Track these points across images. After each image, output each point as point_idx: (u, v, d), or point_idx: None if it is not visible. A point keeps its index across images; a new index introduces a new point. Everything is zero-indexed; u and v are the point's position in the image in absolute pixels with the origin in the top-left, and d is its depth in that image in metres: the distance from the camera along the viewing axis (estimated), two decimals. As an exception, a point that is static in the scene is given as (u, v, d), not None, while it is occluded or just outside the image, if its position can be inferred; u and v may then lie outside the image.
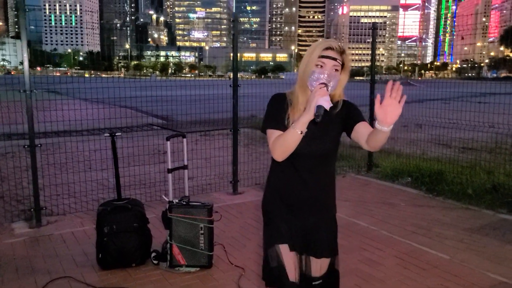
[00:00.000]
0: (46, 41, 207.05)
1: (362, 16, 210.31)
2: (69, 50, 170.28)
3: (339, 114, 1.87)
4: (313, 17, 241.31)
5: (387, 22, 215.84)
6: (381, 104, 1.52)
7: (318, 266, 1.95)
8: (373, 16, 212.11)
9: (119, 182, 3.54)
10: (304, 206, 1.91)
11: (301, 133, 1.69)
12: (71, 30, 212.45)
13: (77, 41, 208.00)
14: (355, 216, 4.61)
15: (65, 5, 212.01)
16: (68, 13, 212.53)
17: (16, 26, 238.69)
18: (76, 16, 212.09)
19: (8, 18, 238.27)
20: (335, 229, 2.00)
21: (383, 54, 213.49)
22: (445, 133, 9.23)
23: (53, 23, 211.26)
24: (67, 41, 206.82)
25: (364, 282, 3.21)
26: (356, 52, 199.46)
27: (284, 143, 1.75)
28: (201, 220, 3.39)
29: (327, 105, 1.64)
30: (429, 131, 10.95)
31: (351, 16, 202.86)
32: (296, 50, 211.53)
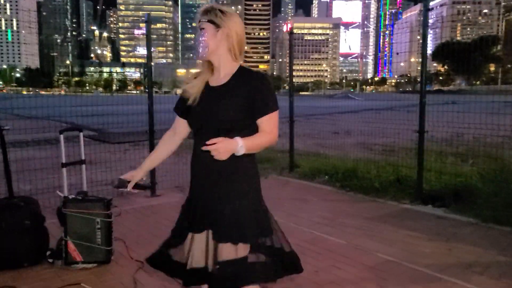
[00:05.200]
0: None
1: (306, 34, 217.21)
2: (5, 67, 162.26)
3: (242, 83, 1.78)
4: (259, 34, 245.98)
5: (329, 40, 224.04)
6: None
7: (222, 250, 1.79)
8: (316, 34, 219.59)
9: (10, 178, 3.42)
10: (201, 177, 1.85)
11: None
12: (7, 46, 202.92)
13: (13, 57, 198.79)
14: (265, 211, 4.71)
15: (0, 20, 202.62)
16: (3, 28, 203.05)
17: None
18: (12, 31, 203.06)
19: None
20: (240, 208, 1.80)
21: (326, 70, 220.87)
22: (371, 138, 9.69)
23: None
24: (2, 57, 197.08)
25: (259, 267, 3.28)
26: (300, 68, 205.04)
27: None
28: (98, 214, 3.33)
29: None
30: (357, 137, 11.45)
31: (295, 33, 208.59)
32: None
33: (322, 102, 49.44)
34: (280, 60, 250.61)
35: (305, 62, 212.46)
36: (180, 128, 1.98)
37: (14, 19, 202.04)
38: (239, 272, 1.76)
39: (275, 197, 5.40)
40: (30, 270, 3.25)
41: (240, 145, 1.67)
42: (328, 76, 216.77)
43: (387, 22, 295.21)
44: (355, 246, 3.68)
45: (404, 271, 3.19)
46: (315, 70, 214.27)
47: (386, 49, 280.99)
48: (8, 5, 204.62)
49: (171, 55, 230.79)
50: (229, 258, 1.75)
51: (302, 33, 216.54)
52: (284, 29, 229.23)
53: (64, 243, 3.32)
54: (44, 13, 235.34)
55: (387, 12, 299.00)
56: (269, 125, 1.76)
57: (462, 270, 3.20)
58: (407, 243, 3.74)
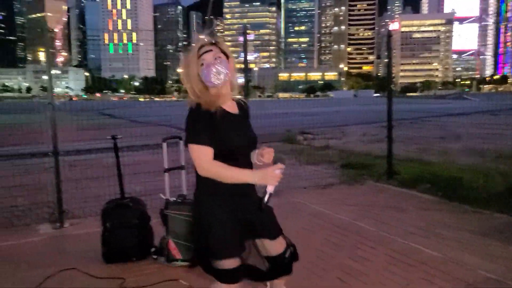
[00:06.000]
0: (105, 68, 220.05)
1: (414, 31, 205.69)
2: (126, 76, 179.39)
3: (245, 111, 2.11)
4: (363, 34, 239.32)
5: (441, 36, 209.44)
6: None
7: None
8: (426, 31, 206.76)
9: (122, 181, 3.85)
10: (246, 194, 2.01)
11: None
12: (128, 57, 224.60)
13: (133, 67, 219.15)
14: (357, 218, 4.65)
15: (122, 34, 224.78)
16: (125, 41, 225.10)
17: (79, 56, 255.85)
18: (132, 44, 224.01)
19: (71, 48, 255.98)
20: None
21: (437, 69, 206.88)
22: (482, 144, 8.94)
23: (111, 51, 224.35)
24: (123, 68, 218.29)
25: (346, 275, 3.27)
26: (408, 68, 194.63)
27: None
28: (194, 216, 3.60)
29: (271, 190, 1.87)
30: (467, 142, 10.62)
31: (402, 32, 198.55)
32: (345, 68, 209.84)
33: (431, 104, 46.58)
34: (386, 60, 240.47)
35: (414, 61, 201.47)
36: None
37: (134, 33, 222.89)
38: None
39: (368, 204, 5.28)
40: (137, 264, 3.63)
41: None
42: (439, 75, 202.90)
43: (509, 15, 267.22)
44: (452, 260, 3.47)
45: (506, 291, 2.95)
46: (425, 70, 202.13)
47: (508, 44, 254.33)
48: (129, 21, 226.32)
49: (274, 60, 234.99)
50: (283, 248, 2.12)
51: (410, 31, 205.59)
52: (390, 27, 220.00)
53: (166, 241, 3.64)
54: (159, 26, 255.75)
55: (509, 4, 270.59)
56: None
57: None
58: (513, 261, 3.43)
